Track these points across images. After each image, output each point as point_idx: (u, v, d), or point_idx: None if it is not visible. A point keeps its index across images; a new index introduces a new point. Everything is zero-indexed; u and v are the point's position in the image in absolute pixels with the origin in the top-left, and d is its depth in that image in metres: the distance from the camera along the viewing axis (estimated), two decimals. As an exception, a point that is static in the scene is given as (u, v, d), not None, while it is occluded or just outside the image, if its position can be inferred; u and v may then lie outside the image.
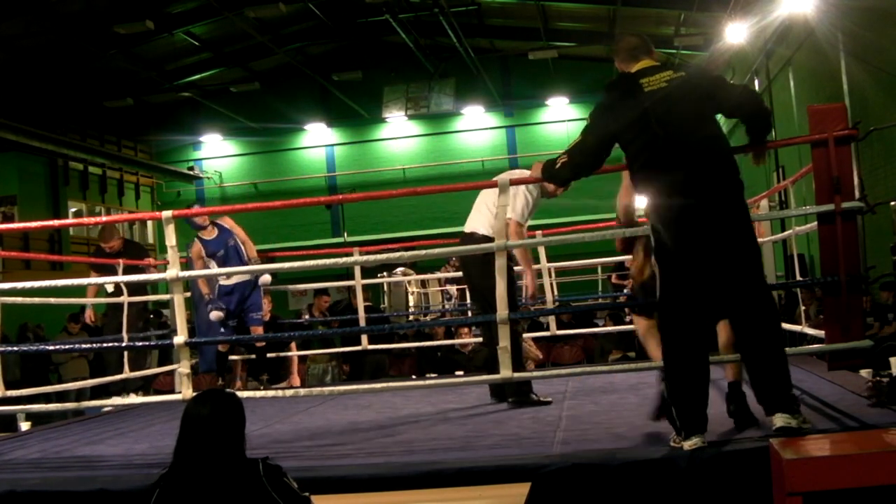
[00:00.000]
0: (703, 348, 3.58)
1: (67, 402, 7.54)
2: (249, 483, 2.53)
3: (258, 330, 7.31)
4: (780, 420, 3.38)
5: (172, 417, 5.93)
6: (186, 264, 6.89)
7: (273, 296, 8.07)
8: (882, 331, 7.86)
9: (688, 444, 3.43)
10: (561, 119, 21.96)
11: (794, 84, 12.83)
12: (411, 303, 14.62)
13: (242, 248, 7.23)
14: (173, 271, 4.62)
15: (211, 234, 7.16)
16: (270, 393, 5.01)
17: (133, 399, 6.70)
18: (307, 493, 2.64)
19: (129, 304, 7.17)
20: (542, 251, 7.78)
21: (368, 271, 9.44)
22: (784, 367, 3.52)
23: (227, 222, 7.32)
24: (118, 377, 7.26)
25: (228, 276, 7.10)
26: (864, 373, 5.61)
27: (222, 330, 7.06)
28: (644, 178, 3.60)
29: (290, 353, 8.35)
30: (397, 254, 5.45)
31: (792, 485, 2.94)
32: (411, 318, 12.74)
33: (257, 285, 7.29)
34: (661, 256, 3.61)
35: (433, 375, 8.13)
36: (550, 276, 8.27)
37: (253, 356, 7.69)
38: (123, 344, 7.22)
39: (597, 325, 9.04)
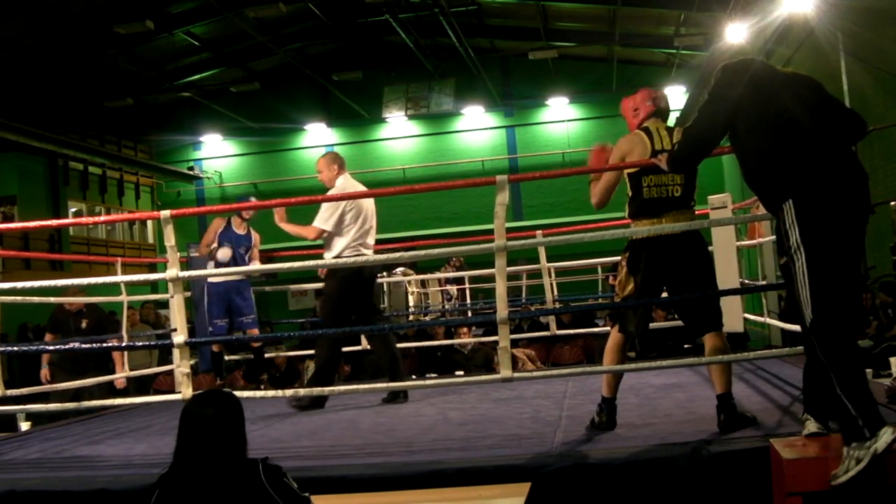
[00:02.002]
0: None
1: (67, 402, 7.54)
2: (249, 483, 2.53)
3: (253, 333, 7.25)
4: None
5: (172, 417, 5.92)
6: (187, 264, 6.88)
7: (273, 296, 8.06)
8: (887, 334, 7.85)
9: (885, 438, 2.79)
10: (561, 119, 21.98)
11: (794, 84, 12.82)
12: (411, 303, 14.62)
13: (248, 263, 7.12)
14: (173, 271, 4.62)
15: (240, 229, 7.11)
16: (270, 393, 5.01)
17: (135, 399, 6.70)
18: (307, 494, 2.64)
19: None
20: (541, 251, 7.79)
21: (368, 271, 9.43)
22: None
23: (256, 237, 7.28)
24: (119, 376, 7.27)
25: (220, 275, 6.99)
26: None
27: (217, 324, 6.98)
28: (776, 155, 3.22)
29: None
30: (397, 254, 5.45)
31: (792, 485, 2.94)
32: (411, 318, 12.73)
33: (247, 298, 7.15)
34: (811, 238, 3.10)
35: (433, 375, 8.14)
36: (550, 276, 8.27)
37: (251, 356, 7.68)
38: (123, 344, 7.24)
39: (597, 325, 9.01)
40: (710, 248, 6.11)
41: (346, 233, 5.90)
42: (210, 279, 6.96)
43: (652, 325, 7.31)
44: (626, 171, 4.16)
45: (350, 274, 5.88)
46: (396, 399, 5.96)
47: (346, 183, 6.10)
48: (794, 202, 3.13)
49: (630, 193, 4.21)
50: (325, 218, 5.88)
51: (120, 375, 7.29)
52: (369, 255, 5.83)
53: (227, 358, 7.67)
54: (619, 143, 4.27)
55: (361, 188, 6.18)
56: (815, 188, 3.13)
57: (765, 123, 3.27)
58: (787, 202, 3.16)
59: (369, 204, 6.13)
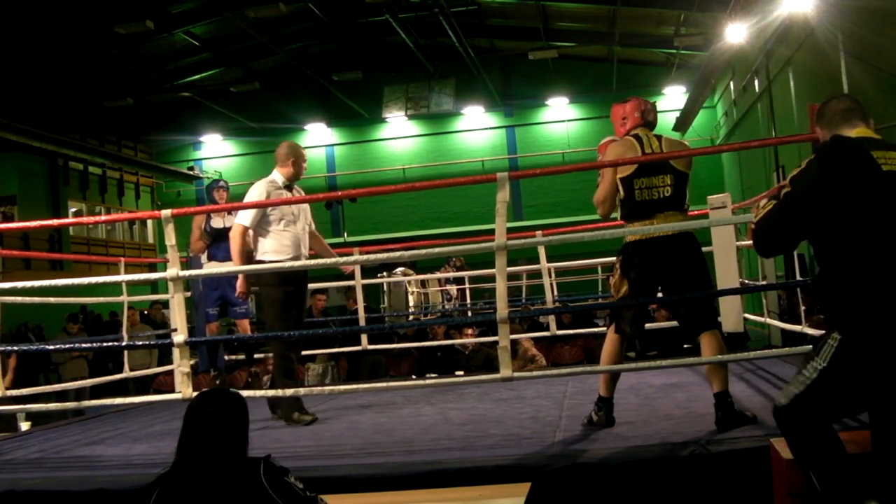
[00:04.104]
0: None
1: (67, 402, 7.55)
2: (249, 483, 2.52)
3: (244, 323, 7.22)
4: None
5: (172, 417, 5.94)
6: (187, 264, 6.88)
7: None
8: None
9: None
10: (561, 119, 22.00)
11: (794, 84, 12.83)
12: (411, 303, 14.63)
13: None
14: (173, 270, 4.62)
15: (218, 223, 7.06)
16: (270, 393, 5.01)
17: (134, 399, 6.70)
18: (315, 494, 2.62)
19: None
20: (541, 251, 7.79)
21: (368, 271, 9.44)
22: None
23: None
24: (118, 377, 7.28)
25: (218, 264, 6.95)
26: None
27: (209, 312, 6.98)
28: (874, 275, 2.70)
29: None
30: (397, 253, 5.46)
31: (792, 485, 2.94)
32: (411, 318, 12.74)
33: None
34: (833, 376, 2.73)
35: (433, 375, 8.14)
36: (550, 276, 8.27)
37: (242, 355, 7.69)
38: (123, 343, 7.24)
39: (597, 325, 9.02)
40: (709, 248, 6.14)
41: None
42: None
43: (653, 326, 7.38)
44: (618, 176, 4.22)
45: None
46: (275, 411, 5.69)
47: None
48: (840, 341, 2.74)
49: (622, 196, 4.25)
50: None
51: (126, 374, 7.27)
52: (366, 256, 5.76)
53: (227, 357, 7.67)
54: (611, 149, 4.35)
55: None
56: (867, 341, 2.69)
57: (853, 242, 2.75)
58: (834, 333, 2.77)
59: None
